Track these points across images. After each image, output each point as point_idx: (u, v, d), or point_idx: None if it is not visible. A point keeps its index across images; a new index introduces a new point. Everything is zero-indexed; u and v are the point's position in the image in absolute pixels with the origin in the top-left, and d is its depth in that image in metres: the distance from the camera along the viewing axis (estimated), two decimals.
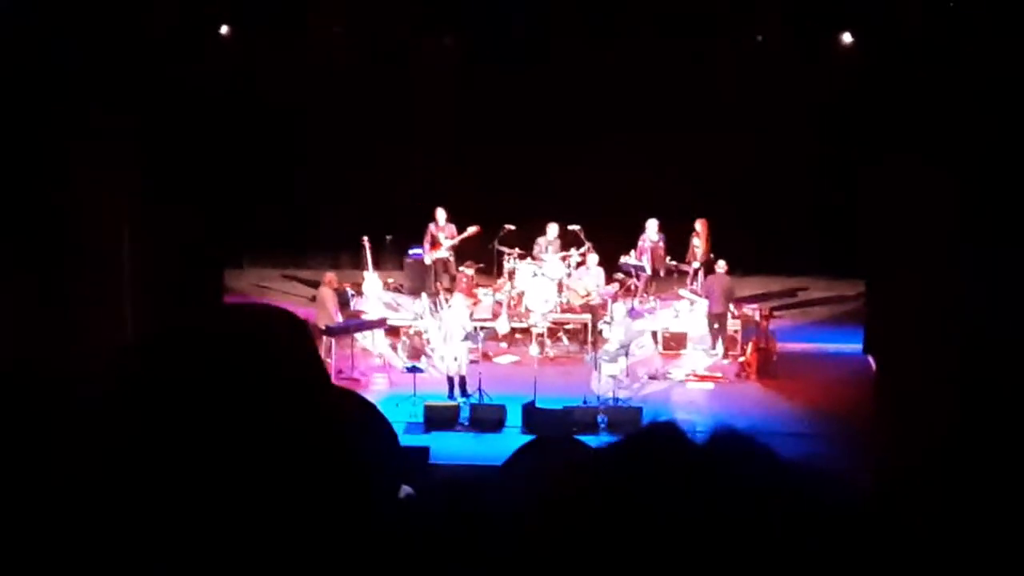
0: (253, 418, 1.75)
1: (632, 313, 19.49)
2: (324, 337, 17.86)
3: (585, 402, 16.82)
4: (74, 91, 13.90)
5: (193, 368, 1.79)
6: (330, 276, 19.25)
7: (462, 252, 21.16)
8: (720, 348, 19.36)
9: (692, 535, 1.14)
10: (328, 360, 17.55)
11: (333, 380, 1.91)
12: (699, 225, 21.01)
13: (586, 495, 1.20)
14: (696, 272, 20.91)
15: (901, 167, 15.52)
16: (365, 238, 20.37)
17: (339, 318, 18.69)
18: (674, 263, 21.02)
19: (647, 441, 1.28)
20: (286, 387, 1.80)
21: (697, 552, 1.13)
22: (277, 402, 1.77)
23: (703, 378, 18.52)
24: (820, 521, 1.19)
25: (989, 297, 13.09)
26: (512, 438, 15.39)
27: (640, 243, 21.03)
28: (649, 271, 21.01)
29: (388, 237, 21.59)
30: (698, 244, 20.99)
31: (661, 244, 21.05)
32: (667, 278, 21.29)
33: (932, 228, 14.28)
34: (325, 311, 18.53)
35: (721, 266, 19.71)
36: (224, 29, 20.03)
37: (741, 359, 18.80)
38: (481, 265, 20.89)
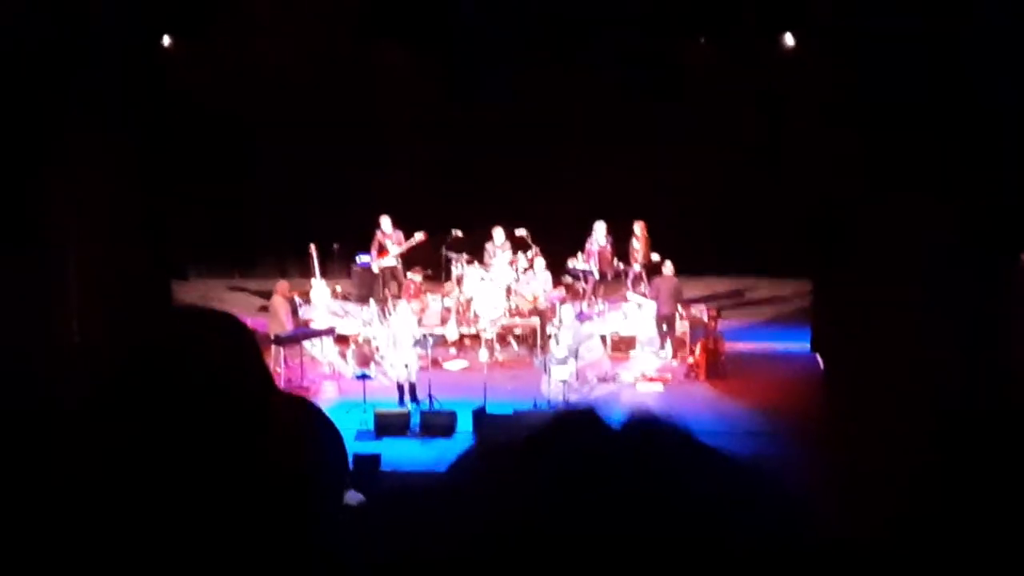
0: (195, 424, 1.74)
1: (580, 316, 19.52)
2: (273, 346, 17.78)
3: (535, 406, 16.83)
4: (34, 92, 13.81)
5: (138, 374, 1.78)
6: (282, 284, 19.19)
7: (410, 259, 21.12)
8: (668, 349, 19.43)
9: (615, 519, 1.15)
10: (278, 369, 17.48)
11: (283, 389, 1.91)
12: (638, 227, 21.07)
13: (515, 487, 1.21)
14: (639, 275, 20.95)
15: (846, 165, 15.66)
16: (312, 246, 20.29)
17: (290, 327, 18.63)
18: (620, 265, 21.05)
19: (565, 427, 1.29)
20: (229, 392, 1.79)
21: (620, 536, 1.14)
22: (219, 407, 1.77)
23: (652, 379, 18.57)
24: (739, 505, 1.20)
25: (935, 294, 13.22)
26: (463, 443, 15.30)
27: (587, 246, 21.05)
28: (597, 274, 21.03)
29: (335, 245, 21.53)
30: (638, 247, 21.06)
31: (608, 247, 21.06)
32: (615, 281, 21.32)
33: (878, 226, 14.40)
34: (277, 320, 18.47)
35: (668, 267, 19.79)
36: (167, 40, 19.92)
37: (690, 360, 18.87)
38: (429, 271, 20.86)
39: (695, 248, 21.18)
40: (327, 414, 1.95)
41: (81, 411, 1.77)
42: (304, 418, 1.91)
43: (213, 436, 1.75)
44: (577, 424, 1.27)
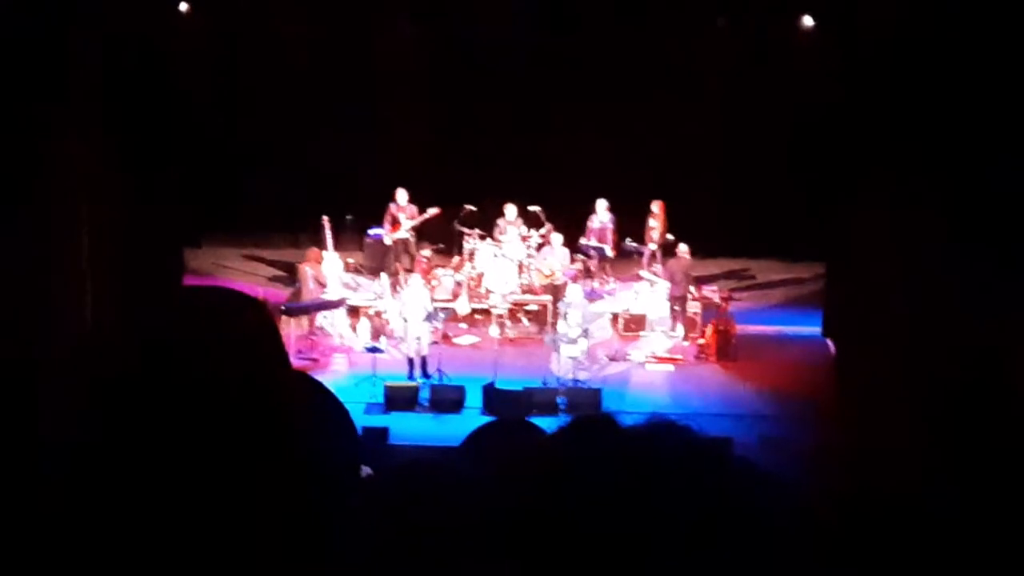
0: (211, 406, 1.73)
1: (590, 295, 19.50)
2: (283, 316, 17.81)
3: (545, 384, 16.85)
4: (39, 62, 13.78)
5: (152, 356, 1.77)
6: (313, 251, 19.35)
7: (423, 233, 21.10)
8: (680, 330, 19.40)
9: (627, 520, 1.15)
10: (287, 340, 17.50)
11: (293, 360, 1.90)
12: (656, 206, 20.97)
13: (532, 480, 1.20)
14: (654, 254, 20.89)
15: (863, 151, 15.61)
16: (325, 218, 20.26)
17: (318, 295, 18.73)
18: (634, 244, 20.98)
19: (584, 429, 1.28)
20: (245, 372, 1.78)
21: (633, 538, 1.14)
22: (235, 388, 1.76)
23: (663, 360, 18.56)
24: (753, 513, 1.19)
25: (947, 281, 13.19)
26: (472, 419, 15.38)
27: (589, 224, 20.98)
28: (609, 252, 21.00)
29: (348, 217, 21.51)
30: (655, 225, 20.95)
31: (610, 225, 20.97)
32: (623, 259, 21.26)
33: (892, 212, 14.37)
34: (306, 287, 18.65)
35: (683, 249, 19.72)
36: (184, 6, 19.89)
37: (700, 341, 18.85)
38: (441, 246, 20.85)
39: (708, 228, 21.11)
40: (332, 390, 1.94)
41: (103, 401, 1.76)
42: (310, 394, 1.90)
43: (229, 417, 1.74)
44: (598, 425, 1.27)
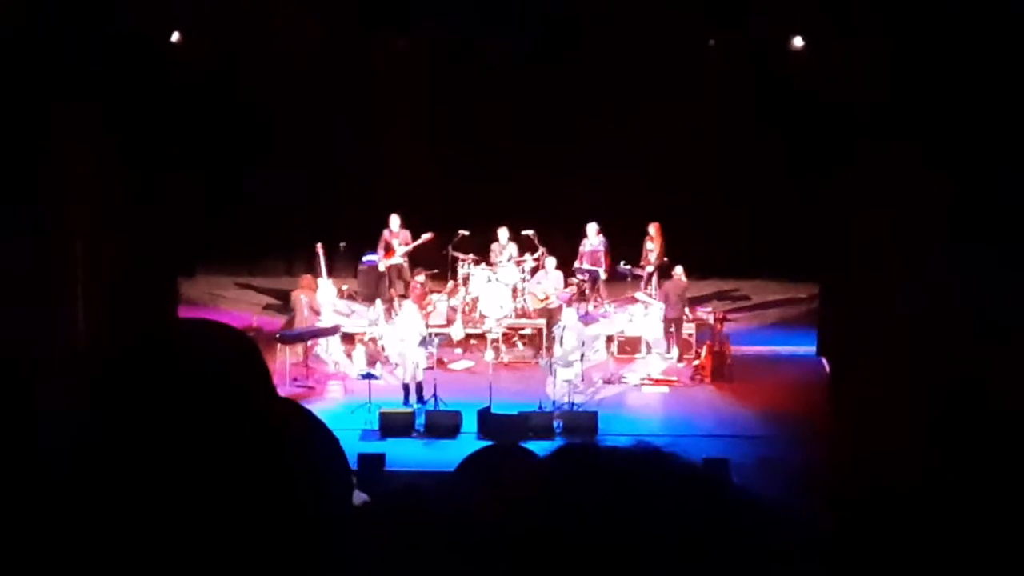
0: (197, 435, 1.73)
1: (585, 318, 19.51)
2: (279, 344, 17.80)
3: (540, 407, 16.82)
4: (37, 83, 13.79)
5: (139, 388, 1.78)
6: (306, 279, 19.34)
7: (416, 258, 21.11)
8: (675, 352, 19.40)
9: (617, 543, 1.16)
10: (282, 367, 17.49)
11: (288, 387, 1.90)
12: (652, 228, 21.01)
13: (521, 506, 1.21)
14: (650, 276, 20.92)
15: (855, 171, 15.66)
16: (319, 245, 20.26)
17: (313, 322, 18.71)
18: (628, 267, 21.01)
19: (569, 455, 1.30)
20: (228, 403, 1.79)
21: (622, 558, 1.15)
22: (220, 417, 1.76)
23: (658, 382, 18.56)
24: (743, 536, 1.20)
25: (943, 298, 13.20)
26: (468, 444, 15.35)
27: (581, 248, 21.02)
28: (603, 276, 21.02)
29: (342, 244, 21.52)
30: (652, 247, 20.99)
31: (602, 248, 20.99)
32: (618, 282, 21.28)
33: (886, 231, 14.40)
34: (299, 315, 18.63)
35: (679, 271, 19.74)
36: (175, 36, 19.90)
37: (696, 363, 18.85)
38: (435, 271, 20.86)
39: (702, 249, 21.13)
40: (321, 419, 1.95)
41: (80, 419, 1.76)
42: (298, 425, 1.90)
43: (216, 447, 1.74)
44: (579, 454, 1.28)
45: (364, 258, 21.38)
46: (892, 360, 13.88)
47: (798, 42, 19.96)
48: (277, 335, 18.16)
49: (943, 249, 13.23)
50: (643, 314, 19.92)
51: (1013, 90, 12.79)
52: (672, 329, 19.51)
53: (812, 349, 18.92)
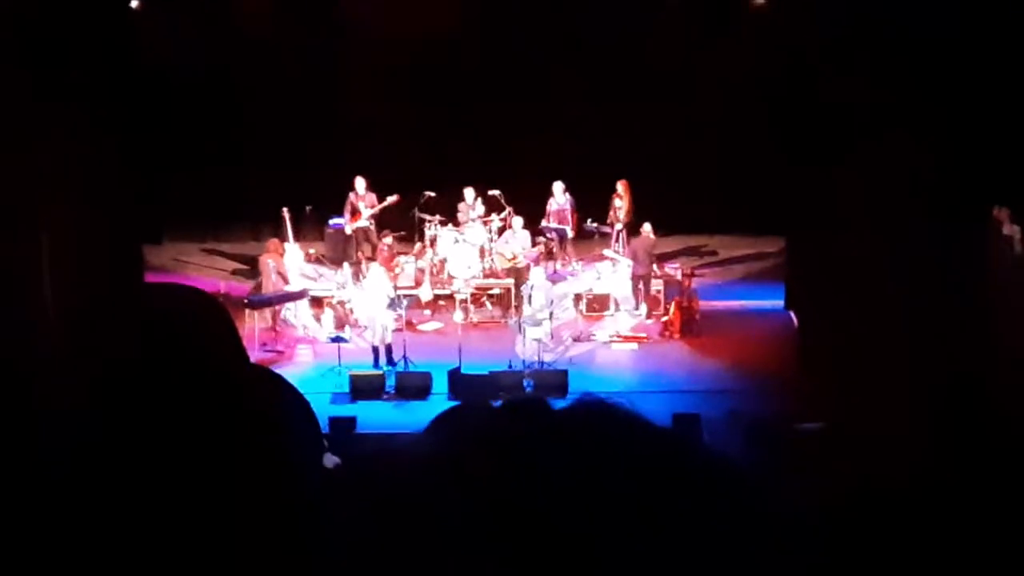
0: (171, 402, 1.73)
1: (553, 276, 19.53)
2: (247, 310, 17.75)
3: (510, 366, 16.87)
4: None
5: (113, 351, 1.77)
6: (273, 243, 19.26)
7: (383, 221, 21.04)
8: (644, 309, 19.44)
9: (567, 497, 1.16)
10: (251, 333, 17.45)
11: (257, 352, 1.90)
12: (620, 186, 20.98)
13: (473, 463, 1.21)
14: (619, 233, 20.92)
15: (822, 126, 15.68)
16: (285, 209, 20.19)
17: (282, 285, 18.64)
18: (595, 225, 21.02)
19: (517, 411, 1.29)
20: (201, 369, 1.79)
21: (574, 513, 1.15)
22: (193, 384, 1.76)
23: (627, 339, 18.61)
24: (691, 486, 1.20)
25: (908, 249, 13.27)
26: (438, 405, 15.36)
27: (547, 207, 21.00)
28: (571, 234, 21.02)
29: (308, 207, 21.45)
30: (620, 205, 20.97)
31: (568, 207, 20.97)
32: (585, 240, 21.30)
33: (851, 182, 14.44)
34: (267, 279, 18.56)
35: (647, 228, 19.77)
36: (134, 2, 19.73)
37: (664, 319, 18.90)
38: (402, 233, 20.82)
39: (669, 206, 21.12)
40: (292, 383, 1.94)
41: (56, 392, 1.76)
42: (271, 389, 1.90)
43: (188, 413, 1.74)
44: (529, 406, 1.28)
45: (331, 221, 21.30)
46: (859, 313, 13.95)
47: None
48: (245, 300, 18.11)
49: (909, 204, 13.29)
50: (611, 271, 19.95)
51: (992, 59, 12.84)
52: (640, 286, 19.55)
53: (780, 303, 19.00)
